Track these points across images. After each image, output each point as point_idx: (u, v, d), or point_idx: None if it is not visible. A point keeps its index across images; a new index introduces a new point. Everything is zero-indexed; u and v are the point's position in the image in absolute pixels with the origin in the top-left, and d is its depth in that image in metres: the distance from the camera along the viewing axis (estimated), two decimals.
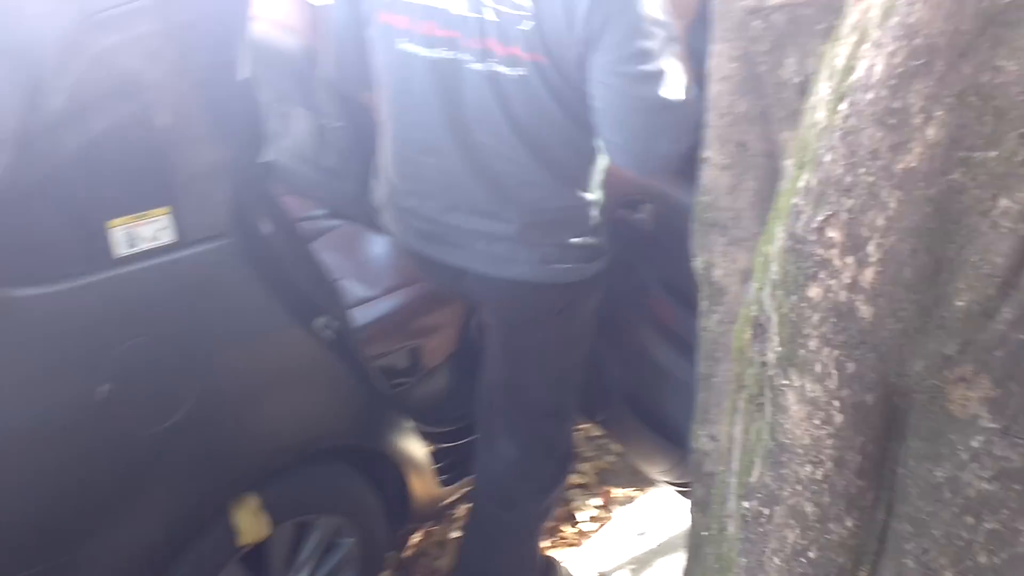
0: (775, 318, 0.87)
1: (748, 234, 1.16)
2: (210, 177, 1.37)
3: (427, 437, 1.94)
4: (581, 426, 2.28)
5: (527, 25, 1.31)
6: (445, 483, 1.96)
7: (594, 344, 1.99)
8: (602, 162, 1.56)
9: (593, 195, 1.55)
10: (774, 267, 0.87)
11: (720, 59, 1.15)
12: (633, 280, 1.89)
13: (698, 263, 1.26)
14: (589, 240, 1.57)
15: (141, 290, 1.33)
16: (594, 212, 1.56)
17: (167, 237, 1.33)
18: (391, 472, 1.85)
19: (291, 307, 1.53)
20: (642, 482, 2.30)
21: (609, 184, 1.62)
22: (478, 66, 1.37)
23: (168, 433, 1.39)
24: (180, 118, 1.32)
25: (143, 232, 1.32)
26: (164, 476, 1.43)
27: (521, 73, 1.35)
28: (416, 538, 2.17)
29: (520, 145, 1.43)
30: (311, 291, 1.63)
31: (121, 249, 1.30)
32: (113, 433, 1.34)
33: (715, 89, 1.17)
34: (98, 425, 1.32)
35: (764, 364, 0.90)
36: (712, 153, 1.21)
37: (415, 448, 1.87)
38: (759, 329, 0.92)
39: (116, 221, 1.29)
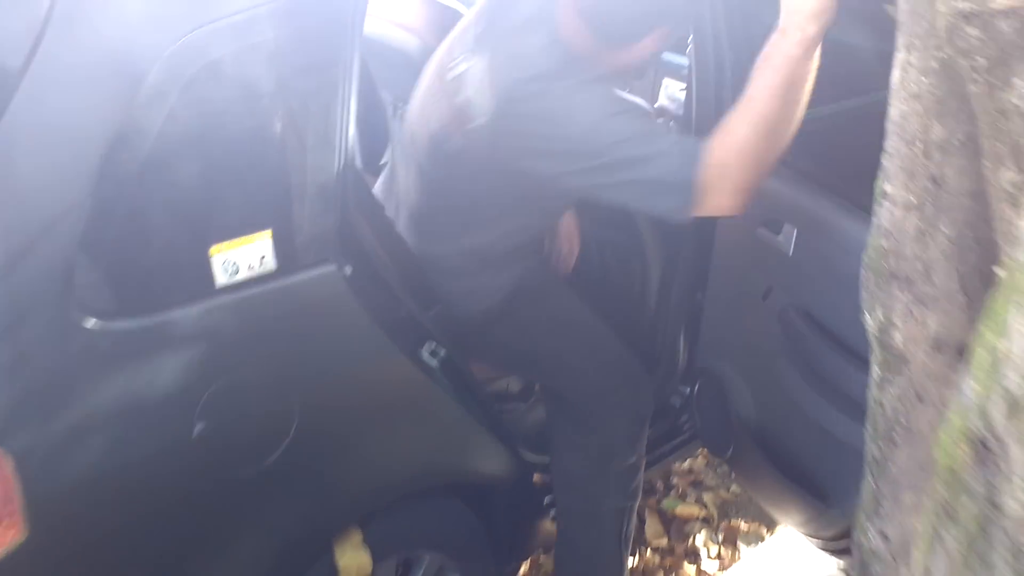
0: (1015, 450, 0.66)
1: (941, 293, 0.96)
2: (316, 199, 1.27)
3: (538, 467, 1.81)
4: (703, 453, 2.10)
5: (477, 124, 1.44)
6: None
7: (721, 371, 1.82)
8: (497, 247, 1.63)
9: (470, 261, 1.64)
10: (1011, 375, 0.66)
11: (909, 71, 0.94)
12: (769, 306, 1.70)
13: (870, 320, 1.05)
14: (472, 281, 1.65)
15: (242, 320, 1.24)
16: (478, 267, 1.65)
17: (269, 264, 1.23)
18: (499, 505, 1.73)
19: (397, 334, 1.42)
20: (772, 517, 2.10)
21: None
22: (446, 112, 1.51)
23: (268, 471, 1.31)
24: (290, 133, 1.22)
25: (246, 259, 1.23)
26: (265, 514, 1.36)
27: (458, 144, 1.49)
28: (524, 567, 2.05)
29: (434, 188, 1.61)
30: (419, 316, 1.51)
31: (223, 277, 1.20)
32: (211, 473, 1.26)
33: (901, 109, 0.96)
34: (196, 465, 1.24)
35: (997, 507, 0.69)
36: (894, 188, 1.00)
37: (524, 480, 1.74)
38: (983, 453, 0.71)
39: (218, 247, 1.20)
